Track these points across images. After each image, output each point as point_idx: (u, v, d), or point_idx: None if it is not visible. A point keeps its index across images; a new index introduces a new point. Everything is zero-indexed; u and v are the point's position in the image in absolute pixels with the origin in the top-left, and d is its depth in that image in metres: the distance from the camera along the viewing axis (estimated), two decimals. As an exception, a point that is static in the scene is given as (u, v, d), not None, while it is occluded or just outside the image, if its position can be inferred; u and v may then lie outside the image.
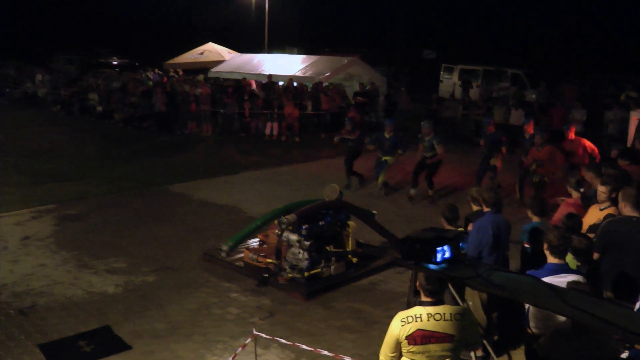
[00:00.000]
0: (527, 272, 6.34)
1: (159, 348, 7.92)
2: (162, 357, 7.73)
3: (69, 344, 8.02)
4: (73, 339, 8.13)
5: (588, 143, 14.06)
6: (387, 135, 15.30)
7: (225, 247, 10.16)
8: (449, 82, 35.68)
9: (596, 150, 14.04)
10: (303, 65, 30.35)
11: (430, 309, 4.82)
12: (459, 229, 7.89)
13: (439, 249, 5.03)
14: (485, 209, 7.85)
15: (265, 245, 10.88)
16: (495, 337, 7.48)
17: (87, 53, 57.07)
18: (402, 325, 4.83)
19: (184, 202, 14.87)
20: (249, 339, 7.09)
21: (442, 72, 37.23)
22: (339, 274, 9.94)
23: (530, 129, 14.64)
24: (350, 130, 16.10)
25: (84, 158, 19.88)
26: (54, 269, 10.57)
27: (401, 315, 4.91)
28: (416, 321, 4.80)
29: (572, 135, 14.28)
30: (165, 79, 34.02)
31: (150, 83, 31.74)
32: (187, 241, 11.96)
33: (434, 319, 4.78)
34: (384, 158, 15.36)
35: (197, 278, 10.21)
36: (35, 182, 16.60)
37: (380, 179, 15.53)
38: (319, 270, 9.70)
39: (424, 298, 4.92)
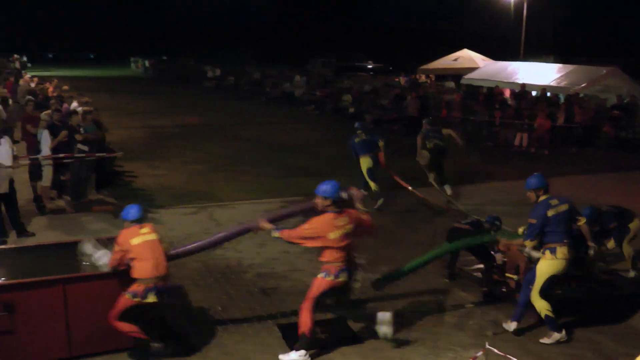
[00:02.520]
0: None
1: (389, 347, 7.87)
2: (390, 356, 7.70)
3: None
4: (310, 324, 8.34)
5: None
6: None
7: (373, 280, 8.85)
8: None
9: None
10: (558, 75, 29.03)
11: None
12: None
13: None
14: None
15: (505, 259, 10.43)
16: None
17: (344, 57, 59.22)
18: None
19: (427, 205, 14.75)
20: (480, 352, 6.88)
21: None
22: (579, 299, 9.22)
23: None
24: None
25: (333, 155, 20.48)
26: (297, 256, 10.97)
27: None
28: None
29: None
30: (418, 82, 34.31)
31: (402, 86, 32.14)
32: (428, 246, 11.74)
33: None
34: None
35: (434, 284, 10.05)
36: (286, 175, 17.46)
37: None
38: (557, 292, 9.10)
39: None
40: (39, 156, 13.17)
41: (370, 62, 57.92)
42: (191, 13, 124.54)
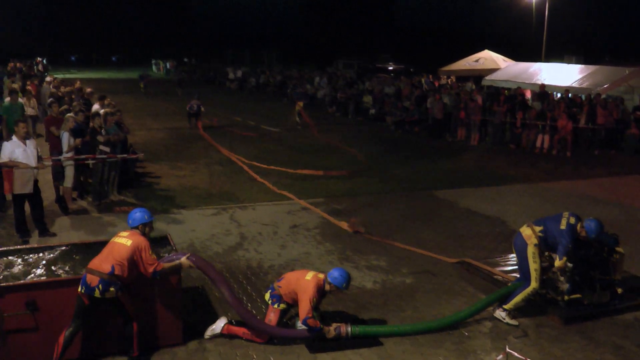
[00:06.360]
0: None
1: (410, 349, 7.84)
2: (412, 358, 7.64)
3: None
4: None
5: None
6: None
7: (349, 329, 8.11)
8: None
9: None
10: (580, 76, 28.78)
11: None
12: None
13: None
14: None
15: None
16: None
17: (366, 58, 59.30)
18: None
19: (450, 208, 14.67)
20: (501, 356, 6.90)
21: None
22: (602, 304, 9.08)
23: None
24: None
25: (355, 157, 20.51)
26: (318, 258, 10.96)
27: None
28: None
29: None
30: (437, 84, 34.20)
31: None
32: (449, 248, 11.75)
33: None
34: None
35: (454, 286, 9.98)
36: (308, 176, 17.40)
37: None
38: (579, 295, 8.98)
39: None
40: (61, 157, 13.26)
41: (391, 63, 57.86)
42: (214, 15, 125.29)
